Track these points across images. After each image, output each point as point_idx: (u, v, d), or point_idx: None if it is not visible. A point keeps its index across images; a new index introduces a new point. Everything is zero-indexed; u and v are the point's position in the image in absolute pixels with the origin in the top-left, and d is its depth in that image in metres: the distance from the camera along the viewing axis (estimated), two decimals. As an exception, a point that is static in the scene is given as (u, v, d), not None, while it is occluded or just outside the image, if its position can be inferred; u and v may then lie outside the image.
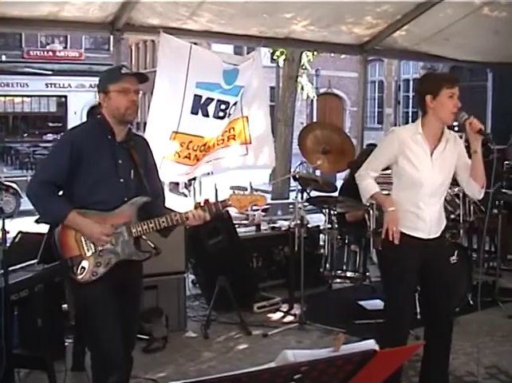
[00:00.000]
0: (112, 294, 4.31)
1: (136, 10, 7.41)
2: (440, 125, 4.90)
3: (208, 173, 8.98)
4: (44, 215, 4.46)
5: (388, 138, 5.08)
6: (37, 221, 5.51)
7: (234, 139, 8.46)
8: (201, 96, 7.98)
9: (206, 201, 4.47)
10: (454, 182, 5.38)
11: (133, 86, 4.38)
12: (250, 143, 8.54)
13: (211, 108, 8.08)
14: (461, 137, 5.26)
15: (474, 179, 4.92)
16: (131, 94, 4.35)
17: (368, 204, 7.44)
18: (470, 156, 4.94)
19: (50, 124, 42.02)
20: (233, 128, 8.42)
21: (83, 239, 4.25)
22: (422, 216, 4.91)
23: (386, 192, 7.24)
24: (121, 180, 4.37)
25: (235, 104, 8.26)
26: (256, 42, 8.83)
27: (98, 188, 4.28)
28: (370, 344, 2.30)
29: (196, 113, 8.00)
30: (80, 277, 4.22)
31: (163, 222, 4.34)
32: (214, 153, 8.32)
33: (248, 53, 8.94)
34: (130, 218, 4.35)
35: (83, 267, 4.23)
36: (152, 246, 4.52)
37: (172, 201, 5.17)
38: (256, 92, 8.50)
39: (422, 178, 4.86)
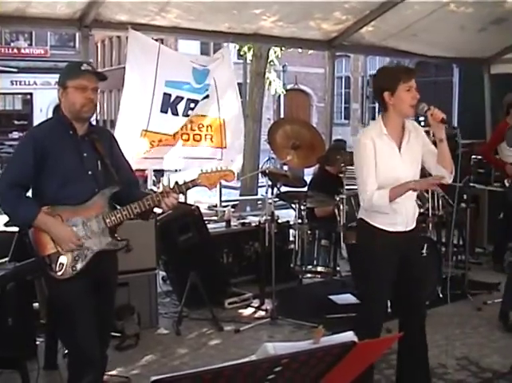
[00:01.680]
0: (90, 291, 4.31)
1: (105, 7, 7.38)
2: (401, 119, 4.93)
3: (176, 170, 8.96)
4: (13, 218, 4.43)
5: (362, 148, 4.91)
6: (6, 224, 5.48)
7: (211, 140, 8.48)
8: (170, 95, 7.98)
9: (176, 183, 4.47)
10: (422, 175, 5.43)
11: (91, 84, 4.36)
12: (225, 147, 8.57)
13: (181, 107, 8.08)
14: (427, 133, 5.27)
15: (443, 166, 4.94)
16: (89, 92, 4.33)
17: (338, 199, 7.50)
18: (435, 146, 4.97)
19: (16, 122, 41.61)
20: (210, 127, 8.43)
21: None
22: (399, 211, 4.94)
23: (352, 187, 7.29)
24: (89, 173, 4.38)
25: (206, 97, 8.25)
26: (224, 38, 8.85)
27: (67, 183, 4.27)
28: (349, 336, 2.32)
29: (166, 112, 7.99)
30: (59, 273, 4.20)
31: (135, 208, 4.34)
32: (190, 149, 8.32)
33: (215, 50, 8.96)
34: (103, 208, 4.35)
35: (61, 263, 4.21)
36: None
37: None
38: (228, 91, 8.52)
39: (396, 175, 4.87)
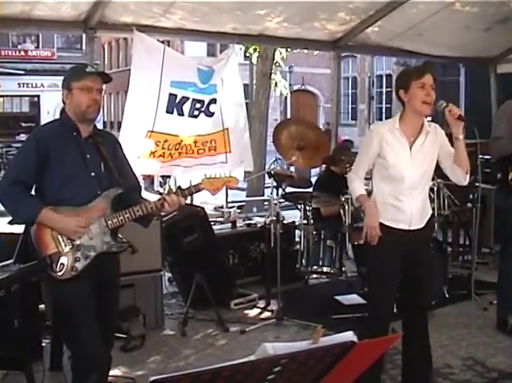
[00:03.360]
0: (92, 292, 4.32)
1: (109, 8, 7.39)
2: (418, 118, 4.92)
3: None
4: (16, 215, 4.43)
5: (367, 137, 5.14)
6: (10, 222, 5.48)
7: (214, 150, 8.47)
8: (176, 95, 7.98)
9: (179, 187, 4.49)
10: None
11: (96, 85, 4.39)
12: (230, 151, 8.56)
13: (186, 107, 8.09)
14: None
15: (458, 166, 4.94)
16: (94, 93, 4.36)
17: (343, 199, 7.49)
18: (452, 144, 4.96)
19: (23, 124, 41.48)
20: (214, 141, 8.44)
21: (59, 236, 4.25)
22: (402, 208, 4.93)
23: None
24: (92, 174, 4.39)
25: (212, 101, 8.26)
26: (229, 39, 8.84)
27: (69, 184, 4.29)
28: (348, 335, 2.32)
29: (171, 112, 7.99)
30: (60, 273, 4.21)
31: (137, 211, 4.35)
32: (194, 160, 8.32)
33: (221, 51, 8.96)
34: (105, 210, 4.36)
35: (62, 264, 4.22)
36: (128, 244, 4.51)
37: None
38: (233, 92, 8.53)
39: (402, 173, 4.88)
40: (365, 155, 5.09)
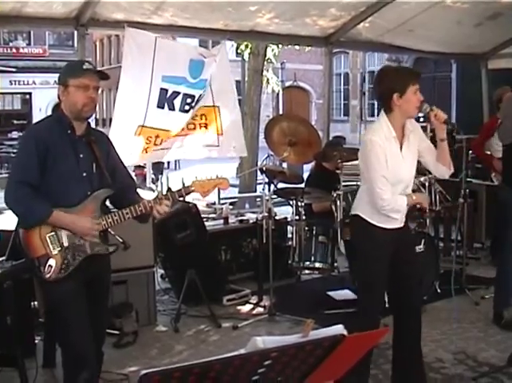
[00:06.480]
0: (82, 290, 4.31)
1: (101, 5, 7.40)
2: (405, 120, 4.90)
3: (175, 168, 8.91)
4: (28, 218, 4.23)
5: (375, 151, 4.81)
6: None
7: (206, 127, 8.49)
8: (167, 90, 8.00)
9: (169, 189, 4.47)
10: (420, 172, 5.44)
11: (93, 83, 4.33)
12: (222, 134, 8.58)
13: (177, 102, 8.10)
14: (424, 129, 5.28)
15: (443, 164, 4.95)
16: (91, 91, 4.31)
17: (335, 195, 7.50)
18: (435, 144, 4.98)
19: (15, 122, 41.51)
20: (204, 116, 8.45)
21: (48, 238, 4.21)
22: (398, 209, 4.96)
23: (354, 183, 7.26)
24: (84, 174, 4.35)
25: (200, 96, 8.27)
26: (221, 36, 8.85)
27: (61, 184, 4.25)
28: (338, 329, 2.33)
29: (162, 107, 8.00)
30: (48, 275, 4.19)
31: (127, 213, 4.32)
32: (185, 138, 8.34)
33: (213, 47, 8.95)
34: (94, 212, 4.33)
35: (50, 266, 4.19)
36: (121, 241, 4.51)
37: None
38: (223, 86, 8.53)
39: (399, 176, 4.87)
40: (383, 165, 4.79)
